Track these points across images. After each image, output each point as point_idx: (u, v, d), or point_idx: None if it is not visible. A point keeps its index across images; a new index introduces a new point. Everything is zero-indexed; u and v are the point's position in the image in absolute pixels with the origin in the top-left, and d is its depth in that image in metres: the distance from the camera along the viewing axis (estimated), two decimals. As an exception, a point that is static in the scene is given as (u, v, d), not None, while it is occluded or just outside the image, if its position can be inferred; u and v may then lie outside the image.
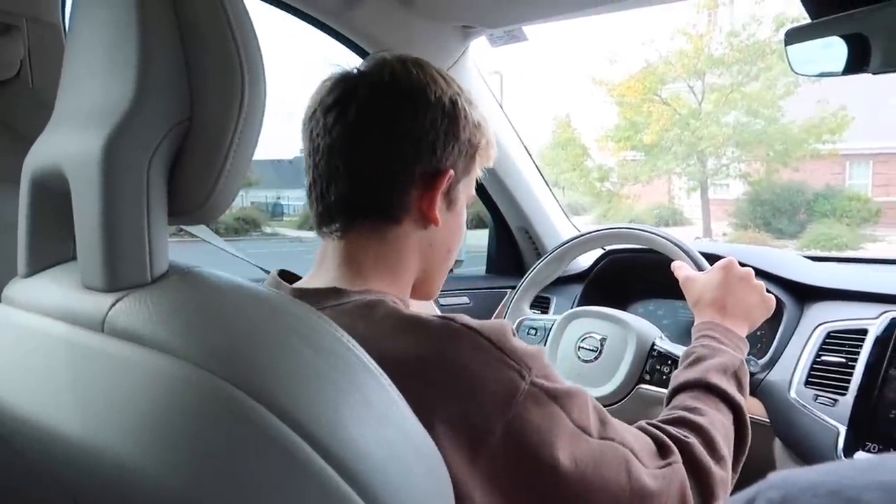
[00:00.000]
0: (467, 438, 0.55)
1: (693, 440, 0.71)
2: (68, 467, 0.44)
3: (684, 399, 0.79)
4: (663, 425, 0.73)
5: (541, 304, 1.56)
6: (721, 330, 0.90)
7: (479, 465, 0.56)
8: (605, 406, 1.13)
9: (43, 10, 0.98)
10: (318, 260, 0.71)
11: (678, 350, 1.12)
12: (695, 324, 0.95)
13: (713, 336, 0.89)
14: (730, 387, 0.81)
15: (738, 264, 0.98)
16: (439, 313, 1.58)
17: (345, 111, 0.67)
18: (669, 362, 1.11)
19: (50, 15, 0.98)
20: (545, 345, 1.26)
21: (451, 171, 0.68)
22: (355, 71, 0.69)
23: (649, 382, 1.12)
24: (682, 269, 1.04)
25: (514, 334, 0.62)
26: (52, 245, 0.54)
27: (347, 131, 0.66)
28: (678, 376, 0.84)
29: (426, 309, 1.57)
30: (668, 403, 0.82)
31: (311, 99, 0.70)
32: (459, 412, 0.56)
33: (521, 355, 0.60)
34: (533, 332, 1.31)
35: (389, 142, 0.66)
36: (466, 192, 0.73)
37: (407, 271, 0.71)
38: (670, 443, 0.69)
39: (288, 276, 0.73)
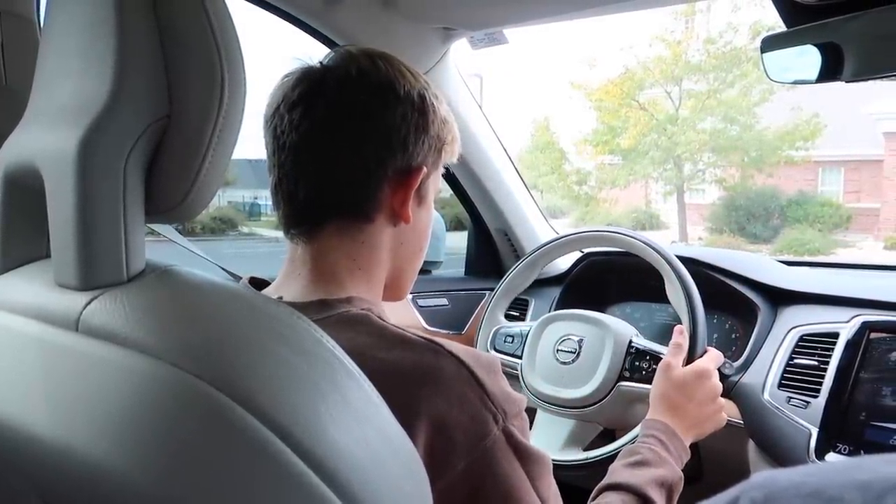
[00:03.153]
0: (429, 460, 0.54)
1: None
2: (38, 467, 0.43)
3: (616, 501, 0.79)
4: None
5: (519, 306, 1.56)
6: (670, 435, 0.91)
7: (436, 489, 0.55)
8: (586, 406, 1.15)
9: (16, 4, 0.96)
10: (287, 265, 0.70)
11: (655, 347, 1.14)
12: (648, 416, 0.96)
13: (662, 440, 0.89)
14: (662, 501, 0.81)
15: (717, 374, 1.01)
16: (424, 326, 1.57)
17: (312, 107, 0.65)
18: (648, 358, 1.12)
19: (24, 9, 0.97)
20: (523, 350, 1.26)
21: (424, 168, 0.68)
22: (319, 65, 0.67)
23: (629, 380, 1.13)
24: (674, 349, 1.03)
25: (501, 372, 0.62)
26: (24, 242, 0.53)
27: (316, 128, 0.65)
28: (618, 472, 0.83)
29: (403, 310, 1.57)
30: (596, 495, 0.81)
31: (273, 95, 0.68)
32: (427, 437, 0.56)
33: (502, 400, 0.60)
34: (510, 339, 1.31)
35: (361, 138, 0.65)
36: (435, 188, 0.73)
37: (380, 272, 0.70)
38: None
39: (258, 283, 0.72)
